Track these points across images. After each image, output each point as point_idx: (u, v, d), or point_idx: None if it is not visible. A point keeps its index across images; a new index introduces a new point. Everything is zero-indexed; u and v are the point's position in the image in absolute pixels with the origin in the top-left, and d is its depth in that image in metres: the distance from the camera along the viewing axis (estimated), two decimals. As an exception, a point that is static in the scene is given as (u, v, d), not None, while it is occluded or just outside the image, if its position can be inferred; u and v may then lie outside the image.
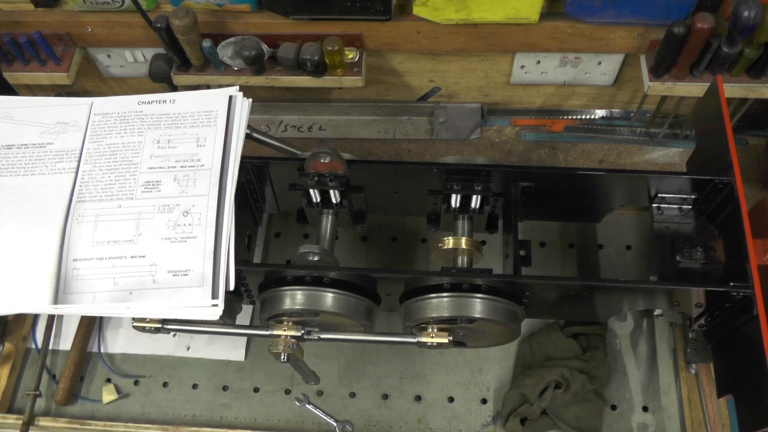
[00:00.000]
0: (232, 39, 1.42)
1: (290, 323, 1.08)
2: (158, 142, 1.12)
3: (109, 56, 1.57)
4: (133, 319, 1.05)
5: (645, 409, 1.37)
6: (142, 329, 1.06)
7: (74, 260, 1.02)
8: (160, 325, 1.06)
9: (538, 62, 1.51)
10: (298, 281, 1.08)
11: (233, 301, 1.12)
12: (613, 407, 1.37)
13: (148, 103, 1.17)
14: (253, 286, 1.14)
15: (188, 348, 1.46)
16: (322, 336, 1.09)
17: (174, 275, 1.01)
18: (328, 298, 1.08)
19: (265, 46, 1.41)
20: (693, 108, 1.48)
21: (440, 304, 1.07)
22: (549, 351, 1.38)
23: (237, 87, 1.17)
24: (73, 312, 1.02)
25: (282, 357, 1.06)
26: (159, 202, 1.06)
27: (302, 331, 1.07)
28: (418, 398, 1.40)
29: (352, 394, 1.41)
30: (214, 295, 1.00)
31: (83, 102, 1.18)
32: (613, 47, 1.41)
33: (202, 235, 1.03)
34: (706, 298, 1.07)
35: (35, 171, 1.10)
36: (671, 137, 1.62)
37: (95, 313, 1.10)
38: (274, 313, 1.10)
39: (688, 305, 1.11)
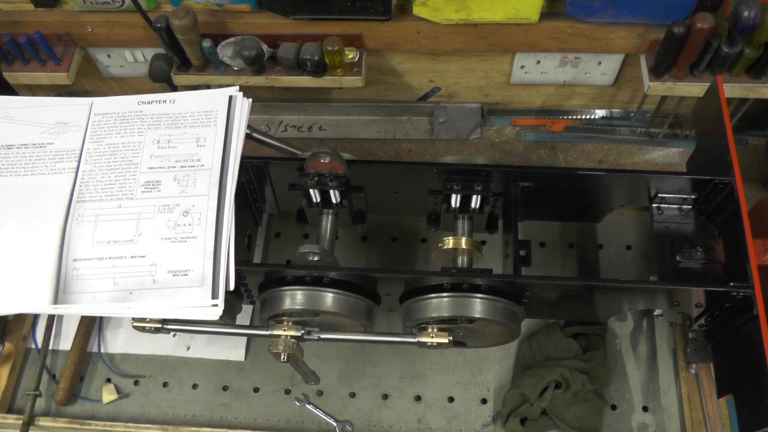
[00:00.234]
0: (232, 39, 1.42)
1: (290, 323, 1.08)
2: (158, 142, 1.12)
3: (109, 56, 1.57)
4: (133, 319, 1.05)
5: (645, 409, 1.37)
6: (142, 329, 1.06)
7: (74, 260, 1.02)
8: (160, 325, 1.06)
9: (538, 62, 1.51)
10: (298, 281, 1.08)
11: (233, 301, 1.12)
12: (613, 407, 1.37)
13: (148, 103, 1.17)
14: (253, 286, 1.14)
15: (188, 348, 1.46)
16: (322, 336, 1.09)
17: (174, 275, 1.01)
18: (328, 298, 1.08)
19: (265, 46, 1.41)
20: (693, 108, 1.48)
21: (440, 304, 1.07)
22: (549, 351, 1.38)
23: (237, 87, 1.17)
24: (73, 312, 1.02)
25: (282, 357, 1.06)
26: (159, 202, 1.06)
27: (302, 331, 1.07)
28: (418, 398, 1.40)
29: (352, 394, 1.41)
30: (214, 295, 1.00)
31: (83, 102, 1.18)
32: (613, 47, 1.41)
33: (202, 235, 1.03)
34: (706, 298, 1.07)
35: (35, 171, 1.10)
36: (671, 137, 1.62)
37: (95, 313, 1.11)
38: (274, 313, 1.10)
39: (688, 305, 1.11)
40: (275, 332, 1.08)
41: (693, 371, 1.35)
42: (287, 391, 1.42)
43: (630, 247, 1.51)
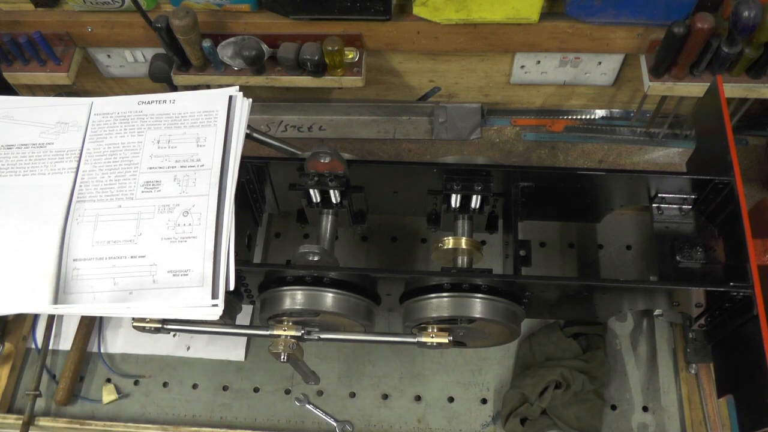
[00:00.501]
0: (232, 39, 1.42)
1: (290, 323, 1.08)
2: (158, 142, 1.12)
3: (109, 56, 1.57)
4: (133, 319, 1.05)
5: (645, 409, 1.37)
6: (142, 329, 1.06)
7: (74, 260, 1.02)
8: (160, 325, 1.06)
9: (538, 62, 1.51)
10: (298, 281, 1.08)
11: (233, 301, 1.12)
12: (613, 407, 1.37)
13: (148, 103, 1.17)
14: (253, 286, 1.14)
15: (188, 348, 1.46)
16: (322, 336, 1.09)
17: (174, 275, 1.01)
18: (328, 298, 1.08)
19: (265, 46, 1.41)
20: (693, 108, 1.48)
21: (440, 304, 1.07)
22: (549, 351, 1.38)
23: (237, 87, 1.17)
24: (73, 312, 1.02)
25: (282, 357, 1.06)
26: (159, 202, 1.06)
27: (302, 331, 1.07)
28: (418, 398, 1.40)
29: (352, 394, 1.41)
30: (214, 295, 1.00)
31: (83, 102, 1.18)
32: (613, 47, 1.41)
33: (202, 235, 1.03)
34: (706, 298, 1.07)
35: (35, 171, 1.11)
36: (671, 137, 1.62)
37: (95, 313, 1.11)
38: (274, 313, 1.10)
39: (688, 305, 1.11)
40: (275, 332, 1.08)
41: (693, 371, 1.35)
42: (287, 391, 1.42)
43: (630, 247, 1.51)
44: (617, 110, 1.66)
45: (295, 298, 1.08)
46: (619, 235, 1.52)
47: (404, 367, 1.42)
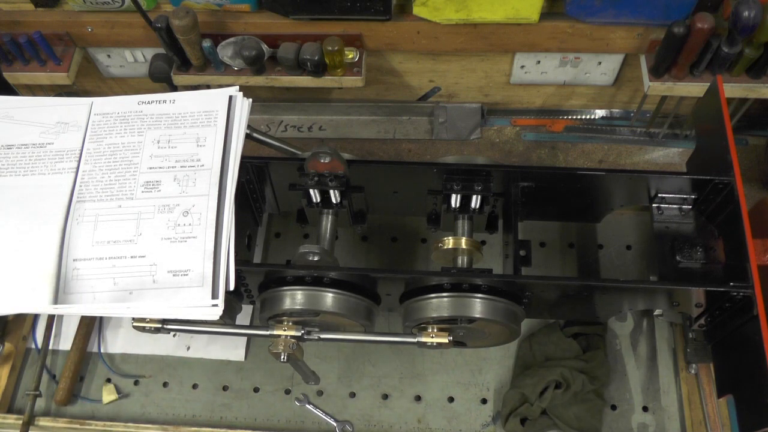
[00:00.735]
0: (232, 39, 1.42)
1: (290, 323, 1.08)
2: (158, 142, 1.12)
3: (109, 56, 1.57)
4: (133, 319, 1.05)
5: (645, 409, 1.37)
6: (142, 329, 1.06)
7: (74, 260, 1.02)
8: (160, 325, 1.06)
9: (538, 62, 1.51)
10: (298, 281, 1.08)
11: (233, 301, 1.12)
12: (613, 407, 1.37)
13: (148, 103, 1.17)
14: (253, 286, 1.14)
15: (188, 348, 1.46)
16: (322, 336, 1.09)
17: (174, 275, 1.01)
18: (328, 298, 1.08)
19: (265, 46, 1.41)
20: (693, 108, 1.48)
21: (440, 304, 1.07)
22: (549, 351, 1.38)
23: (237, 87, 1.17)
24: (73, 312, 1.02)
25: (282, 357, 1.06)
26: (159, 202, 1.06)
27: (302, 331, 1.07)
28: (418, 398, 1.40)
29: (352, 394, 1.41)
30: (214, 295, 1.00)
31: (83, 102, 1.18)
32: (613, 47, 1.41)
33: (202, 235, 1.03)
34: (706, 298, 1.07)
35: (35, 171, 1.10)
36: (671, 137, 1.62)
37: (95, 313, 1.11)
38: (274, 313, 1.10)
39: (688, 305, 1.11)
40: (275, 332, 1.08)
41: (693, 371, 1.35)
42: (287, 391, 1.42)
43: (630, 247, 1.51)
44: (617, 110, 1.66)
45: (295, 298, 1.08)
46: (619, 235, 1.52)
47: (404, 367, 1.42)
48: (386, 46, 1.44)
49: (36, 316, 1.50)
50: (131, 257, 1.02)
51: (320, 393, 1.41)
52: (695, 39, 1.25)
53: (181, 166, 1.09)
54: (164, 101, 1.17)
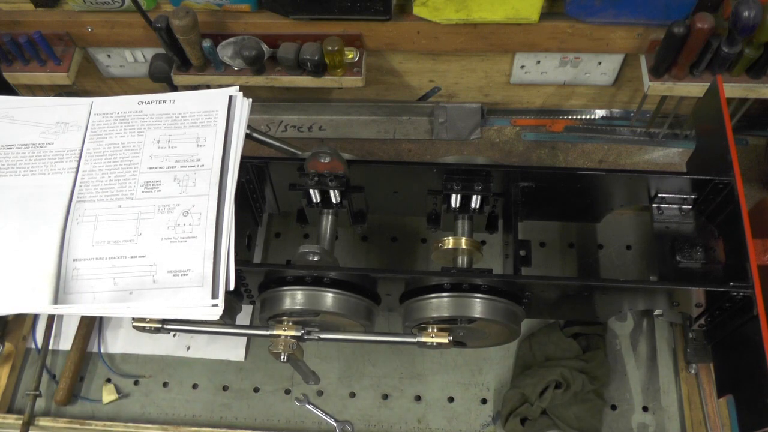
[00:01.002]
0: (232, 39, 1.42)
1: (290, 323, 1.08)
2: (158, 142, 1.12)
3: (109, 56, 1.57)
4: (133, 319, 1.05)
5: (645, 409, 1.37)
6: (142, 329, 1.06)
7: (74, 260, 1.02)
8: (160, 325, 1.06)
9: (538, 62, 1.51)
10: (298, 281, 1.08)
11: (233, 301, 1.12)
12: (613, 407, 1.37)
13: (148, 103, 1.17)
14: (253, 286, 1.14)
15: (188, 348, 1.46)
16: (322, 336, 1.09)
17: (174, 275, 1.01)
18: (328, 298, 1.08)
19: (265, 46, 1.41)
20: (693, 108, 1.48)
21: (440, 304, 1.07)
22: (549, 351, 1.38)
23: (237, 87, 1.17)
24: (73, 312, 1.02)
25: (282, 357, 1.06)
26: (159, 202, 1.06)
27: (302, 331, 1.07)
28: (418, 398, 1.40)
29: (352, 394, 1.41)
30: (214, 295, 1.00)
31: (83, 102, 1.18)
32: (613, 47, 1.41)
33: (202, 235, 1.03)
34: (706, 298, 1.07)
35: (35, 171, 1.10)
36: (671, 137, 1.62)
37: (95, 313, 1.11)
38: (274, 313, 1.10)
39: (688, 305, 1.11)
40: (275, 332, 1.08)
41: (693, 371, 1.35)
42: (287, 391, 1.42)
43: (630, 247, 1.51)
44: (617, 110, 1.66)
45: (295, 298, 1.08)
46: (619, 235, 1.52)
47: (404, 367, 1.42)
48: (386, 46, 1.44)
49: (36, 316, 1.50)
50: (131, 257, 1.02)
51: (320, 393, 1.41)
52: (695, 39, 1.25)
53: (181, 166, 1.09)
54: (164, 101, 1.17)
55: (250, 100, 1.16)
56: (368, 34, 1.41)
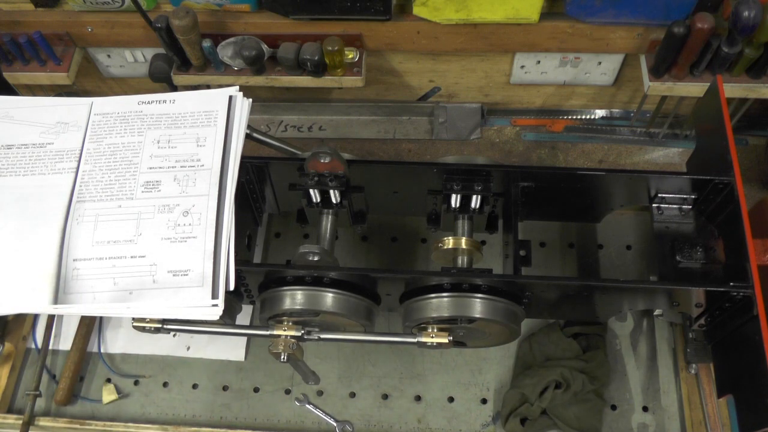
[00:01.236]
0: (232, 39, 1.42)
1: (290, 323, 1.08)
2: (158, 142, 1.12)
3: (109, 56, 1.57)
4: (133, 319, 1.05)
5: (645, 409, 1.37)
6: (142, 329, 1.06)
7: (74, 260, 1.02)
8: (160, 325, 1.06)
9: (538, 62, 1.51)
10: (298, 281, 1.08)
11: (233, 301, 1.12)
12: (613, 407, 1.37)
13: (148, 103, 1.17)
14: (253, 286, 1.14)
15: (188, 348, 1.46)
16: (322, 336, 1.09)
17: (174, 275, 1.01)
18: (328, 298, 1.08)
19: (265, 46, 1.41)
20: (693, 108, 1.48)
21: (440, 304, 1.07)
22: (549, 351, 1.38)
23: (237, 87, 1.17)
24: (73, 312, 1.02)
25: (282, 357, 1.06)
26: (159, 202, 1.06)
27: (302, 331, 1.07)
28: (418, 398, 1.40)
29: (352, 394, 1.41)
30: (214, 295, 1.00)
31: (83, 102, 1.18)
32: (613, 47, 1.41)
33: (202, 235, 1.03)
34: (706, 298, 1.07)
35: (35, 171, 1.10)
36: (671, 137, 1.62)
37: (95, 313, 1.11)
38: (274, 313, 1.10)
39: (688, 305, 1.11)
40: (275, 332, 1.08)
41: (693, 371, 1.35)
42: (287, 391, 1.42)
43: (630, 247, 1.51)
44: (617, 110, 1.66)
45: (295, 298, 1.08)
46: (619, 235, 1.52)
47: (404, 367, 1.42)
48: (386, 46, 1.44)
49: (36, 316, 1.50)
50: (131, 257, 1.02)
51: (320, 393, 1.41)
52: (695, 39, 1.25)
53: (181, 166, 1.09)
54: (164, 101, 1.17)
55: (250, 100, 1.16)
56: (368, 34, 1.41)
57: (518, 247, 1.13)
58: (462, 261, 1.17)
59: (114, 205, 1.06)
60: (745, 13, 1.16)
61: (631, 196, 1.20)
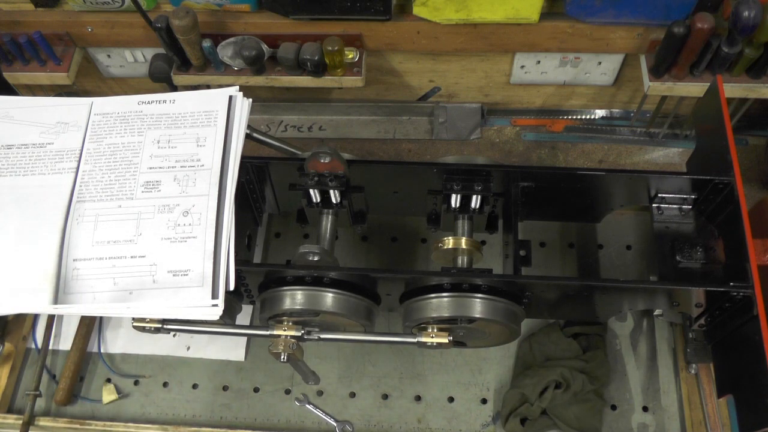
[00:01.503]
0: (232, 39, 1.42)
1: (290, 323, 1.08)
2: (158, 142, 1.12)
3: (109, 56, 1.57)
4: (133, 319, 1.05)
5: (645, 409, 1.37)
6: (142, 329, 1.06)
7: (74, 260, 1.02)
8: (160, 325, 1.05)
9: (538, 62, 1.51)
10: (298, 281, 1.08)
11: (233, 301, 1.12)
12: (613, 407, 1.37)
13: (148, 103, 1.17)
14: (253, 286, 1.14)
15: (188, 348, 1.46)
16: (322, 336, 1.09)
17: (174, 275, 1.01)
18: (328, 298, 1.08)
19: (265, 46, 1.41)
20: (693, 108, 1.48)
21: (440, 304, 1.07)
22: (549, 351, 1.38)
23: (237, 87, 1.17)
24: (73, 312, 1.02)
25: (282, 357, 1.06)
26: (159, 202, 1.06)
27: (302, 331, 1.07)
28: (418, 398, 1.40)
29: (352, 394, 1.41)
30: (214, 295, 1.00)
31: (83, 102, 1.18)
32: (613, 47, 1.41)
33: (202, 235, 1.03)
34: (706, 298, 1.07)
35: (35, 171, 1.10)
36: (671, 137, 1.62)
37: (95, 313, 1.11)
38: (274, 313, 1.10)
39: (688, 305, 1.11)
40: (275, 332, 1.07)
41: (693, 371, 1.35)
42: (287, 391, 1.42)
43: (630, 247, 1.51)
44: (617, 110, 1.66)
45: (295, 298, 1.08)
46: (619, 235, 1.52)
47: (404, 367, 1.42)
48: (386, 46, 1.44)
49: (36, 316, 1.50)
50: (131, 257, 1.02)
51: (320, 393, 1.41)
52: (695, 39, 1.25)
53: (181, 166, 1.09)
54: (164, 101, 1.17)
55: (250, 100, 1.16)
56: (368, 34, 1.41)
57: (518, 247, 1.13)
58: (462, 261, 1.17)
59: (114, 205, 1.06)
60: (745, 13, 1.16)
61: (631, 196, 1.20)
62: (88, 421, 1.36)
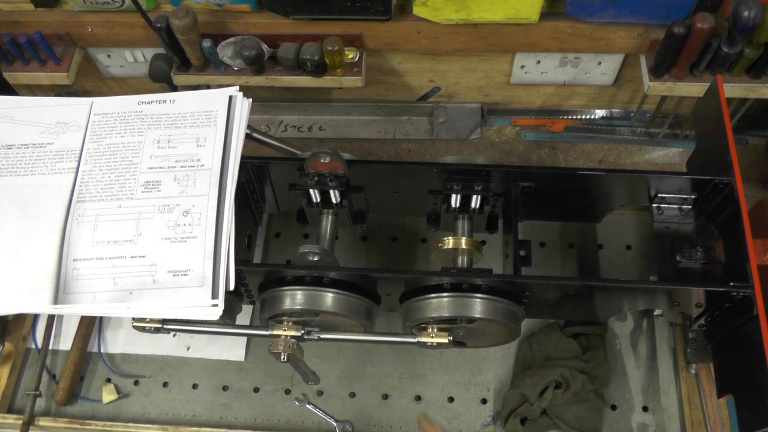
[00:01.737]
0: (232, 39, 1.42)
1: (290, 323, 1.08)
2: (158, 142, 1.12)
3: (109, 56, 1.57)
4: (133, 319, 1.05)
5: (645, 409, 1.37)
6: (142, 329, 1.06)
7: (74, 260, 1.02)
8: (160, 325, 1.06)
9: (538, 62, 1.51)
10: (298, 281, 1.08)
11: (233, 301, 1.12)
12: (613, 407, 1.37)
13: (148, 103, 1.17)
14: (253, 286, 1.14)
15: (188, 348, 1.46)
16: (322, 336, 1.09)
17: (174, 275, 1.01)
18: (328, 298, 1.08)
19: (265, 46, 1.41)
20: (693, 108, 1.48)
21: (440, 304, 1.07)
22: (549, 351, 1.38)
23: (237, 87, 1.17)
24: (73, 312, 1.02)
25: (282, 357, 1.06)
26: (159, 202, 1.06)
27: (302, 331, 1.07)
28: (418, 398, 1.40)
29: (352, 394, 1.41)
30: (214, 295, 1.00)
31: (83, 102, 1.18)
32: (613, 47, 1.41)
33: (202, 235, 1.03)
34: (706, 298, 1.07)
35: (35, 171, 1.10)
36: (671, 137, 1.62)
37: (95, 313, 1.11)
38: (274, 313, 1.10)
39: (688, 305, 1.11)
40: (275, 332, 1.07)
41: (693, 371, 1.35)
42: (287, 391, 1.42)
43: (630, 247, 1.51)
44: (617, 110, 1.66)
45: (295, 298, 1.08)
46: (619, 235, 1.52)
47: (404, 367, 1.42)
48: (386, 46, 1.44)
49: (36, 316, 1.50)
50: (131, 257, 1.02)
51: (320, 393, 1.41)
52: (695, 39, 1.25)
53: (181, 166, 1.09)
54: (164, 101, 1.17)
55: (250, 100, 1.16)
56: (368, 34, 1.41)
57: (518, 247, 1.13)
58: (462, 261, 1.17)
59: (114, 205, 1.06)
60: (745, 13, 1.16)
61: (631, 196, 1.20)
62: (88, 421, 1.36)
